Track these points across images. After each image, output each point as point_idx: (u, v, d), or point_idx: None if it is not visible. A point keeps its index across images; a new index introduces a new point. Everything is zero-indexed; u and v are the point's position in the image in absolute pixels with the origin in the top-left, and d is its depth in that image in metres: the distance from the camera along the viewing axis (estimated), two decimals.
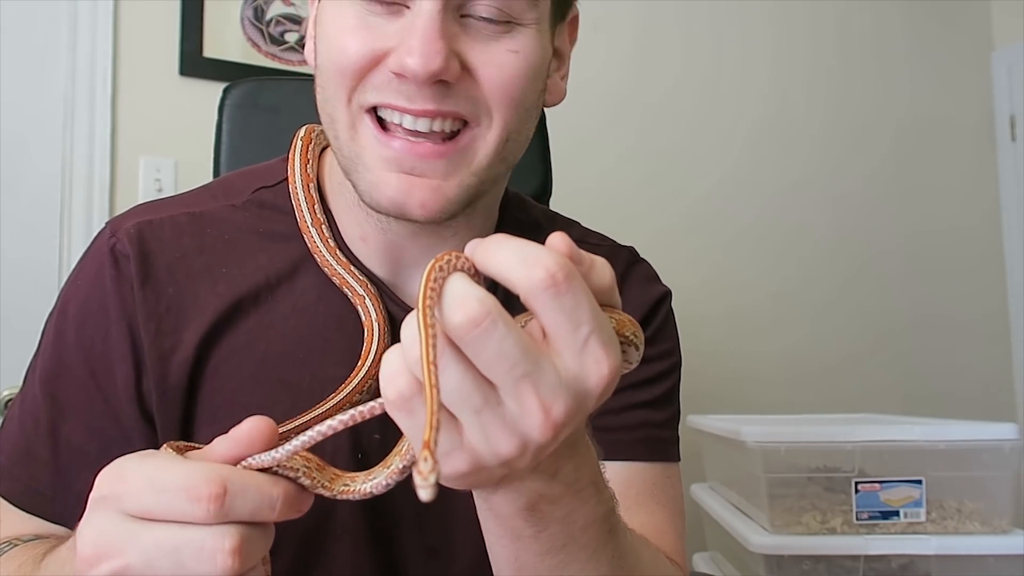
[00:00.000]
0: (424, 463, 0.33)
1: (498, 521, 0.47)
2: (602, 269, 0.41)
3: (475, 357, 0.37)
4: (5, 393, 1.30)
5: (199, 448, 0.47)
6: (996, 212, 2.69)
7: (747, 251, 2.38)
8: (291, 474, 0.45)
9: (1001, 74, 2.69)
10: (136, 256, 0.64)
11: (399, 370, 0.38)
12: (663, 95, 2.32)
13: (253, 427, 0.45)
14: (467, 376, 0.37)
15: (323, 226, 0.67)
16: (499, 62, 0.59)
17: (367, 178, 0.60)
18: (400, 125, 0.58)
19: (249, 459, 0.44)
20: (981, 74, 2.72)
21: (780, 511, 1.29)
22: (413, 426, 0.39)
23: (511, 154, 0.63)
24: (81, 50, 1.73)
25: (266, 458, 0.44)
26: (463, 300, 0.36)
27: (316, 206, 0.68)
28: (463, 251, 0.39)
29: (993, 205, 2.70)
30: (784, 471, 1.29)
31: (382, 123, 0.60)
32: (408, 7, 0.57)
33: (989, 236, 2.68)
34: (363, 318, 0.65)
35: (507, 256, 0.38)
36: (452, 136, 0.60)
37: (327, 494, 0.46)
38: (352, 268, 0.66)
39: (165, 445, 0.48)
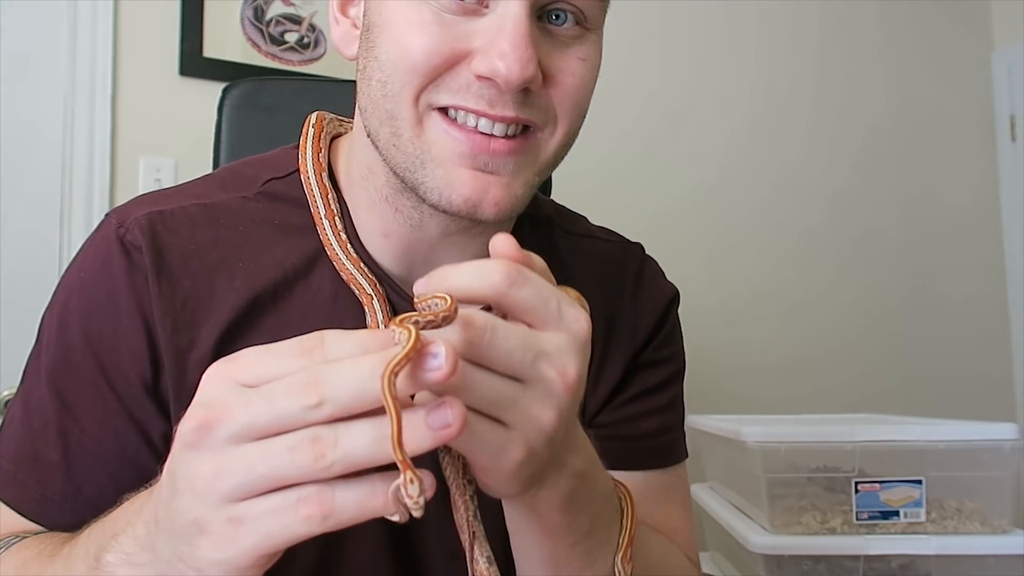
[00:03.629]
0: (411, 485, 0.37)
1: (539, 521, 0.51)
2: (537, 258, 0.47)
3: (494, 358, 0.42)
4: (5, 393, 1.30)
5: None
6: (996, 212, 2.69)
7: (746, 251, 2.37)
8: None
9: (1001, 74, 2.69)
10: (149, 247, 0.61)
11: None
12: (657, 90, 2.32)
13: None
14: (493, 379, 0.42)
15: (336, 218, 0.65)
16: (572, 70, 0.58)
17: (437, 174, 0.57)
18: (475, 128, 0.57)
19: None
20: (981, 74, 2.72)
21: (780, 511, 1.28)
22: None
23: (565, 155, 0.63)
24: (81, 50, 1.73)
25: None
26: (466, 320, 0.41)
27: (330, 196, 0.65)
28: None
29: (993, 205, 2.70)
30: (784, 471, 1.29)
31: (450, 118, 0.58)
32: (487, 7, 0.56)
33: (989, 235, 2.68)
34: (368, 320, 0.62)
35: (463, 277, 0.43)
36: (513, 136, 0.58)
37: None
38: (362, 265, 0.64)
39: None
